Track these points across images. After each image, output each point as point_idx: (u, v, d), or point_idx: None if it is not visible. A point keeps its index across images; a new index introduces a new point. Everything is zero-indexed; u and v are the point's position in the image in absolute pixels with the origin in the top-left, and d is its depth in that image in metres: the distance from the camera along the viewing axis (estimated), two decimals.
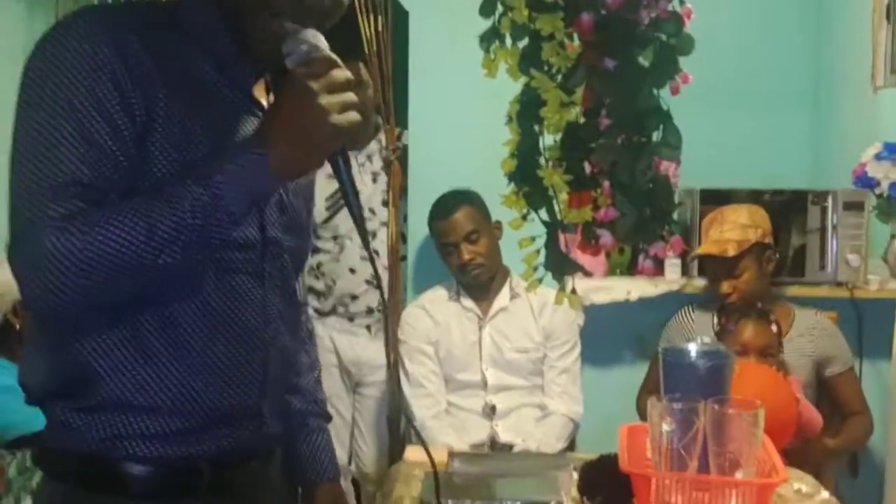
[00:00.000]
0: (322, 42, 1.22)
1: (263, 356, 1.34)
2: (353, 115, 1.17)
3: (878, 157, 2.91)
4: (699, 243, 2.99)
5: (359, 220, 1.24)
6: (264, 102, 1.35)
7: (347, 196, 1.24)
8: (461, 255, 2.94)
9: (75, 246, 1.11)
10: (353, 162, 1.24)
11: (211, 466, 1.30)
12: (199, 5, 1.29)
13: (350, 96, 1.17)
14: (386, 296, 3.25)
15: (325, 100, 1.15)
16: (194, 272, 1.23)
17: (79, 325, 1.23)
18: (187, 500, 1.29)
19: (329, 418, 1.67)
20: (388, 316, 3.27)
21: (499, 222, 2.97)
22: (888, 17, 3.20)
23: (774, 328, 2.68)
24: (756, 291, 2.83)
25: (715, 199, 3.06)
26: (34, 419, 1.45)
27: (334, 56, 1.20)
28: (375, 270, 1.29)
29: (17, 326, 2.49)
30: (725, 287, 2.82)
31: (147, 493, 1.27)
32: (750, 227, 2.81)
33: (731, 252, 2.77)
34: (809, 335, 2.85)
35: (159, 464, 1.27)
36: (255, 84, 1.35)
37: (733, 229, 2.82)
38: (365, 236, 1.25)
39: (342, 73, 1.18)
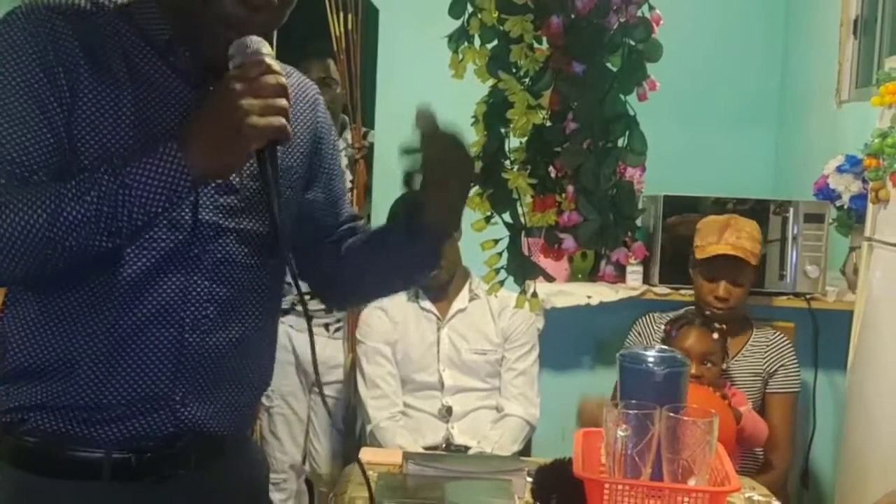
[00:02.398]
0: (265, 48, 1.23)
1: (177, 341, 1.32)
2: (276, 120, 1.19)
3: (839, 169, 2.94)
4: (661, 249, 3.02)
5: (275, 219, 1.25)
6: None
7: (269, 193, 1.24)
8: None
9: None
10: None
11: (116, 450, 1.30)
12: None
13: (276, 102, 1.19)
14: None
15: (247, 101, 1.17)
16: (112, 254, 1.23)
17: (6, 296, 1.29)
18: (90, 482, 1.30)
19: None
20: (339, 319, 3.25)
21: None
22: (854, 32, 3.24)
23: (716, 336, 2.69)
24: (741, 305, 2.85)
25: (679, 206, 3.08)
26: None
27: (272, 62, 1.21)
28: (294, 279, 1.33)
29: None
30: (723, 291, 2.81)
31: (50, 470, 1.30)
32: (758, 242, 2.84)
33: (754, 262, 2.79)
34: (762, 351, 2.88)
35: (63, 441, 1.29)
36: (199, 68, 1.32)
37: (750, 240, 2.82)
38: (278, 235, 1.27)
39: (273, 78, 1.20)
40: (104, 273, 1.27)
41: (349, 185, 3.27)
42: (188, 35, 1.28)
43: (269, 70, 1.20)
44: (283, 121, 1.19)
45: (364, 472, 1.43)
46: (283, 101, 1.19)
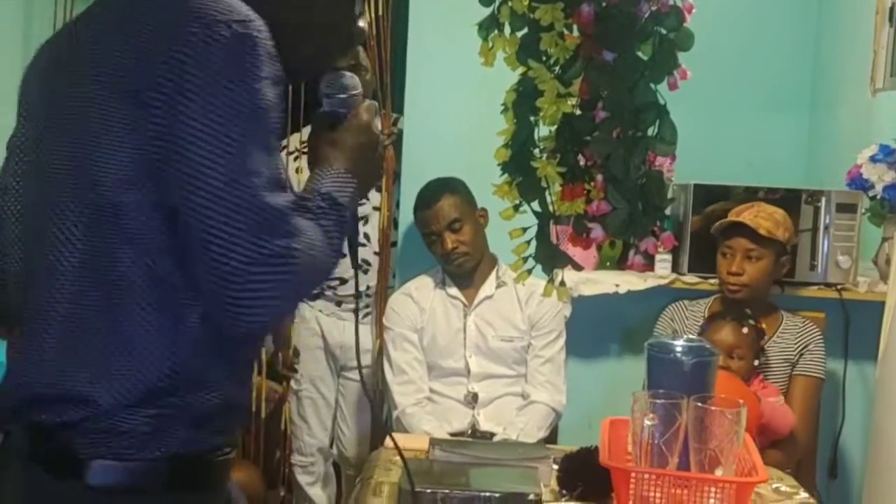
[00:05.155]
0: (358, 84, 1.32)
1: None
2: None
3: (873, 159, 2.91)
4: (689, 236, 3.02)
5: (354, 252, 1.34)
6: None
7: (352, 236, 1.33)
8: (444, 243, 2.94)
9: (312, 258, 1.16)
10: None
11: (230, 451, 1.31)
12: None
13: None
14: (375, 281, 3.24)
15: (379, 147, 1.31)
16: None
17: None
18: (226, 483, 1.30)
19: None
20: (362, 304, 3.27)
21: (484, 210, 2.97)
22: (890, 20, 3.19)
23: (746, 330, 2.69)
24: (759, 289, 2.85)
25: (709, 195, 3.06)
26: None
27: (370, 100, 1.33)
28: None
29: None
30: (737, 265, 2.82)
31: (216, 483, 1.26)
32: (781, 226, 2.85)
33: (763, 231, 2.80)
34: (792, 338, 2.88)
35: (221, 453, 1.26)
36: None
37: (768, 220, 2.84)
38: (355, 260, 1.35)
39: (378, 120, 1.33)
40: None
41: None
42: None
43: (375, 107, 1.32)
44: None
45: (398, 448, 1.55)
46: None
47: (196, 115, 1.10)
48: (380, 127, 1.31)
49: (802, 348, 2.87)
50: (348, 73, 1.31)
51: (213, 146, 1.10)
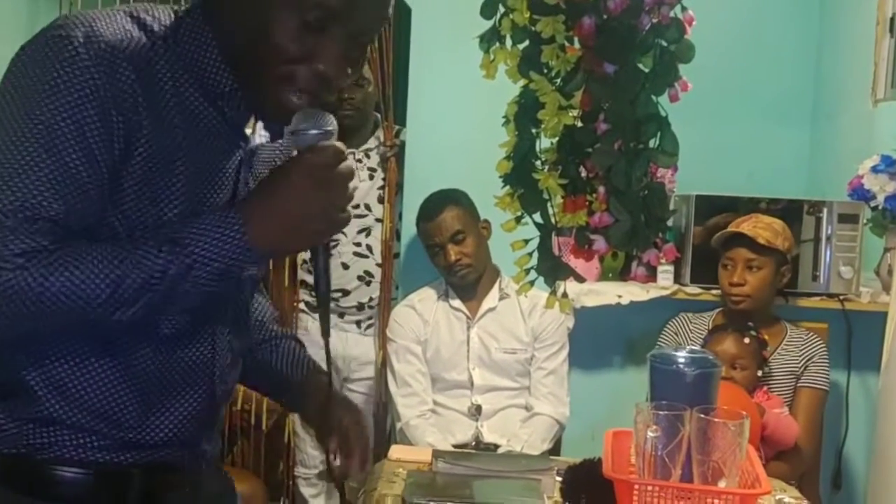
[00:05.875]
0: (334, 126, 1.19)
1: (209, 393, 1.30)
2: (348, 214, 1.17)
3: (874, 169, 2.91)
4: (691, 247, 3.02)
5: (323, 305, 1.27)
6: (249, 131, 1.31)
7: (318, 283, 1.25)
8: (447, 255, 2.95)
9: (32, 288, 1.07)
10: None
11: (142, 473, 1.26)
12: (196, 34, 1.20)
13: (350, 193, 1.17)
14: (377, 293, 3.25)
15: (327, 195, 1.15)
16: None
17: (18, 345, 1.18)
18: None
19: (295, 338, 1.60)
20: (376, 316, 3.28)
21: (487, 221, 2.98)
22: (891, 31, 3.20)
23: (747, 341, 2.70)
24: (761, 299, 2.85)
25: (711, 206, 3.07)
26: None
27: (342, 146, 1.18)
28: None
29: None
30: (738, 275, 2.83)
31: (77, 497, 1.22)
32: (780, 235, 2.87)
33: (762, 241, 2.81)
34: (797, 350, 2.88)
35: (90, 468, 1.22)
36: (248, 119, 1.29)
37: (767, 230, 2.86)
38: (326, 322, 1.29)
39: (347, 167, 1.17)
40: (144, 333, 1.21)
41: (380, 182, 3.28)
42: (250, 91, 1.22)
43: (344, 156, 1.17)
44: (352, 212, 1.18)
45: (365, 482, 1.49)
46: (353, 191, 1.18)
47: None
48: (340, 168, 1.15)
49: (807, 361, 2.87)
50: (323, 113, 1.19)
51: None
